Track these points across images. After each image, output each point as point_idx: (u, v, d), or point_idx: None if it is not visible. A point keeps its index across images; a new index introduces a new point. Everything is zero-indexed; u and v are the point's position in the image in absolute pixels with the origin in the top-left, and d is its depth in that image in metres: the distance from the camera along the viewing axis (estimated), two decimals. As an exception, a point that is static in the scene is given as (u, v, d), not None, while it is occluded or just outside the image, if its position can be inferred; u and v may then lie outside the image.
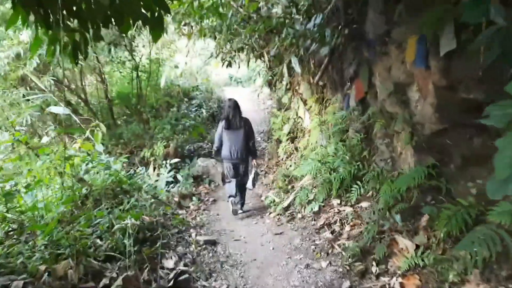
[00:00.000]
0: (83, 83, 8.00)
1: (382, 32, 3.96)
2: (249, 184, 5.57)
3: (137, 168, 6.28)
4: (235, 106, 5.30)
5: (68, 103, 8.16)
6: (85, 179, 4.13)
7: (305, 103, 6.74)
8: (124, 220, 3.42)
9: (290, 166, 6.75)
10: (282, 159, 7.32)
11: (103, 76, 8.13)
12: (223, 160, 5.44)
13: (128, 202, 4.09)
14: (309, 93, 6.57)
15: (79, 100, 8.36)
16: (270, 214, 5.19)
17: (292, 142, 7.27)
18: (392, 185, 3.55)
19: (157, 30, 2.50)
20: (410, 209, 3.32)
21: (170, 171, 6.54)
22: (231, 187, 5.51)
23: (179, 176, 6.42)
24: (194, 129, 7.86)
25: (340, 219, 3.95)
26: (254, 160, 5.61)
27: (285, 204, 5.02)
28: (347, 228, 3.74)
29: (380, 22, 4.05)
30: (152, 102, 9.45)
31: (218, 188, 7.26)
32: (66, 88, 8.08)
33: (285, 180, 6.09)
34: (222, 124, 5.28)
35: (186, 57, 10.47)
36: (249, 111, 12.52)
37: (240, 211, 5.56)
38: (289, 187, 5.76)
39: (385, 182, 3.69)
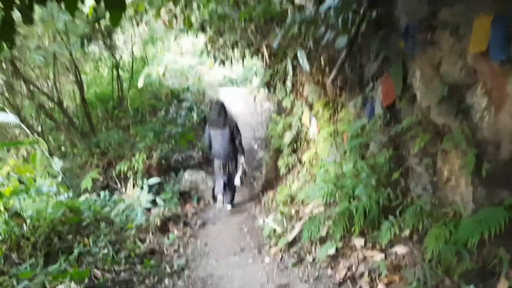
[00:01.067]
0: (57, 83, 6.88)
1: (424, 15, 2.91)
2: (236, 181, 5.79)
3: (114, 186, 5.21)
4: (221, 106, 5.60)
5: (41, 107, 7.05)
6: (21, 214, 3.05)
7: (310, 107, 5.66)
8: (60, 284, 2.34)
9: (293, 182, 5.68)
10: (283, 174, 6.25)
11: (78, 75, 6.99)
12: (215, 158, 5.85)
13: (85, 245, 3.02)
14: (316, 96, 5.50)
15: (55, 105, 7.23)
16: (270, 249, 4.12)
17: (295, 153, 6.20)
18: (445, 229, 2.50)
19: (116, 10, 1.95)
20: (480, 270, 2.26)
21: (150, 190, 5.47)
22: (219, 184, 5.87)
23: (159, 200, 5.32)
24: (181, 137, 6.76)
25: (368, 271, 2.88)
26: (242, 157, 5.86)
27: (290, 238, 3.95)
28: (381, 287, 2.67)
29: (419, 2, 3.01)
30: (137, 105, 8.35)
31: (207, 207, 6.19)
32: (37, 89, 6.96)
33: (287, 202, 5.03)
34: (208, 123, 5.70)
35: (174, 55, 9.44)
36: (244, 114, 11.45)
37: (228, 206, 5.94)
38: (293, 211, 4.69)
39: (434, 223, 2.64)
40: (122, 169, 5.79)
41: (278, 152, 6.88)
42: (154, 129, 6.34)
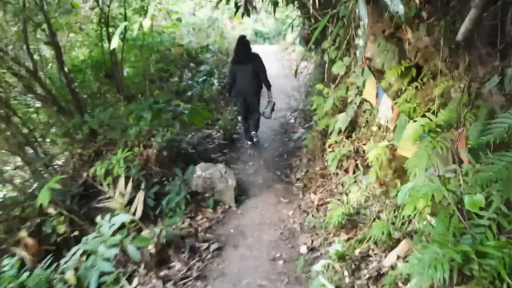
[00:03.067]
0: (29, 46, 5.18)
1: None
2: (267, 114, 5.93)
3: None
4: (244, 42, 5.59)
5: (16, 76, 5.43)
6: None
7: (378, 77, 3.66)
8: None
9: (349, 190, 3.84)
10: (332, 173, 4.41)
11: (54, 35, 5.20)
12: (236, 96, 5.96)
13: None
14: (390, 59, 3.48)
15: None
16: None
17: (351, 142, 4.28)
18: None
19: None
20: None
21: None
22: (246, 130, 6.13)
23: (132, 250, 3.36)
24: (190, 115, 4.99)
25: None
26: (269, 92, 5.85)
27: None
28: None
29: None
30: (139, 71, 6.59)
31: (229, 215, 4.51)
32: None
33: (347, 227, 3.24)
34: (232, 59, 5.81)
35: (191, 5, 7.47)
36: (277, 77, 9.45)
37: (255, 138, 6.11)
38: (357, 252, 2.90)
39: None
40: (98, 173, 4.14)
41: (324, 135, 5.00)
42: (152, 106, 4.57)
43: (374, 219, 3.19)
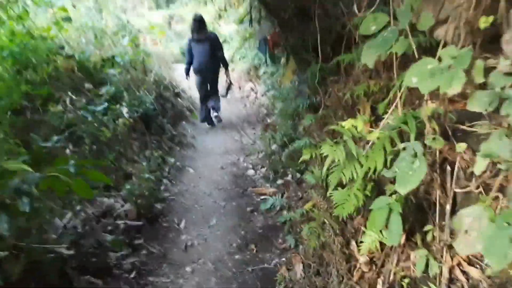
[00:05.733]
0: None
1: None
2: (222, 92, 6.11)
3: None
4: (200, 19, 5.53)
5: None
6: None
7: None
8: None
9: None
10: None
11: None
12: (194, 74, 5.78)
13: None
14: None
15: None
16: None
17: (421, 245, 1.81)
18: None
19: None
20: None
21: None
22: (205, 112, 6.12)
23: None
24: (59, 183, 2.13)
25: None
26: (226, 70, 5.97)
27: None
28: None
29: None
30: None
31: None
32: None
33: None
34: (189, 37, 5.65)
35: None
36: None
37: (217, 120, 6.14)
38: None
39: None
40: None
41: (343, 222, 2.49)
42: None
43: None
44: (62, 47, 5.53)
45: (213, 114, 6.12)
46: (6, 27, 4.90)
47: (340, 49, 3.63)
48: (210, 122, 6.22)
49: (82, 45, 5.99)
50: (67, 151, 4.45)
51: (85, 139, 4.21)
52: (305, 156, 2.83)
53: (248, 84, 8.41)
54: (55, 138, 3.91)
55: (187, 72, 5.86)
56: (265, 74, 7.08)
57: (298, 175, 3.84)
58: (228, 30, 10.85)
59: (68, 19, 5.66)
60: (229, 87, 6.04)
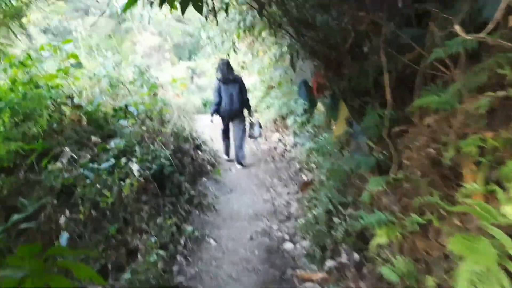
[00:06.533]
0: None
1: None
2: (256, 133, 6.18)
3: None
4: (228, 62, 5.72)
5: None
6: None
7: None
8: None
9: None
10: None
11: None
12: (221, 114, 5.79)
13: None
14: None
15: None
16: None
17: None
18: None
19: None
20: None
21: None
22: (225, 146, 6.34)
23: None
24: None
25: None
26: (251, 112, 6.12)
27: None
28: None
29: None
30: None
31: None
32: None
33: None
34: (219, 80, 5.65)
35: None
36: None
37: (238, 166, 6.03)
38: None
39: None
40: None
41: None
42: None
43: None
44: (70, 97, 4.96)
45: (237, 166, 6.07)
46: (8, 75, 4.38)
47: (404, 91, 2.82)
48: (240, 163, 6.11)
49: (95, 94, 5.42)
50: (62, 218, 3.68)
51: (84, 203, 3.40)
52: (381, 239, 1.91)
53: (275, 135, 7.62)
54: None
55: (214, 113, 5.80)
56: (295, 123, 6.28)
57: (356, 255, 2.84)
58: (250, 81, 10.35)
59: (79, 65, 5.15)
60: (260, 125, 6.09)
